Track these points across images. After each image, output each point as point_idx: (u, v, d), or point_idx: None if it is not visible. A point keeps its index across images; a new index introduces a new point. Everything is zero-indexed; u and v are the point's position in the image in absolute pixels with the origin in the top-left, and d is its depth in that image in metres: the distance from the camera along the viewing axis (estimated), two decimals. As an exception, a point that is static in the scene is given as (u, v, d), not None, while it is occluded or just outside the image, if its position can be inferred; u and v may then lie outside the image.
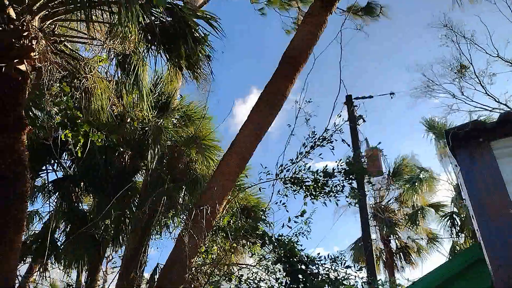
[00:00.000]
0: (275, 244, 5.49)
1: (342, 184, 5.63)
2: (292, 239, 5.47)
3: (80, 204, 8.42)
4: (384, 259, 14.29)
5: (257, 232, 5.76)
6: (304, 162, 5.77)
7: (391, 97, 11.32)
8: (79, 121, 4.31)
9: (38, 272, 8.18)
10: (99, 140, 4.53)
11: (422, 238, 13.97)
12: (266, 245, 5.66)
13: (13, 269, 3.45)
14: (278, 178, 5.63)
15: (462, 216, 12.38)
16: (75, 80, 5.06)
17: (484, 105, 20.54)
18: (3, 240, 3.32)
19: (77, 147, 4.46)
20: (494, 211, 3.01)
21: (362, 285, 5.60)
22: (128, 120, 6.79)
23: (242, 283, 5.36)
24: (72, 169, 7.93)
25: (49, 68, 4.58)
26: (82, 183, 8.03)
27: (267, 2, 12.38)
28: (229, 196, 5.43)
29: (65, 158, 7.89)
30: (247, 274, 5.67)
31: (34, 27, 4.17)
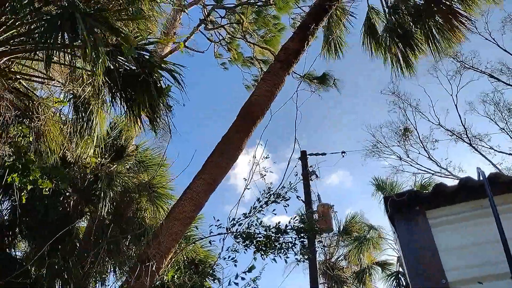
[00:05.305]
0: (221, 302, 5.30)
1: (293, 242, 5.65)
2: (239, 297, 5.31)
3: (14, 251, 7.71)
4: (333, 319, 14.07)
5: (204, 288, 5.54)
6: (257, 217, 5.78)
7: (343, 156, 11.82)
8: (32, 165, 4.08)
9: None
10: (47, 188, 4.27)
11: (369, 298, 14.02)
12: (212, 303, 5.44)
13: None
14: (229, 232, 5.56)
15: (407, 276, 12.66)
16: (26, 120, 4.87)
17: (427, 168, 22.08)
18: None
19: (22, 193, 4.18)
20: (428, 280, 3.09)
21: None
22: (76, 166, 6.52)
23: None
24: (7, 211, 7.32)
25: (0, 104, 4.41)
26: (18, 228, 7.40)
27: (230, 58, 12.95)
28: (177, 247, 5.23)
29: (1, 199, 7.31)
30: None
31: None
